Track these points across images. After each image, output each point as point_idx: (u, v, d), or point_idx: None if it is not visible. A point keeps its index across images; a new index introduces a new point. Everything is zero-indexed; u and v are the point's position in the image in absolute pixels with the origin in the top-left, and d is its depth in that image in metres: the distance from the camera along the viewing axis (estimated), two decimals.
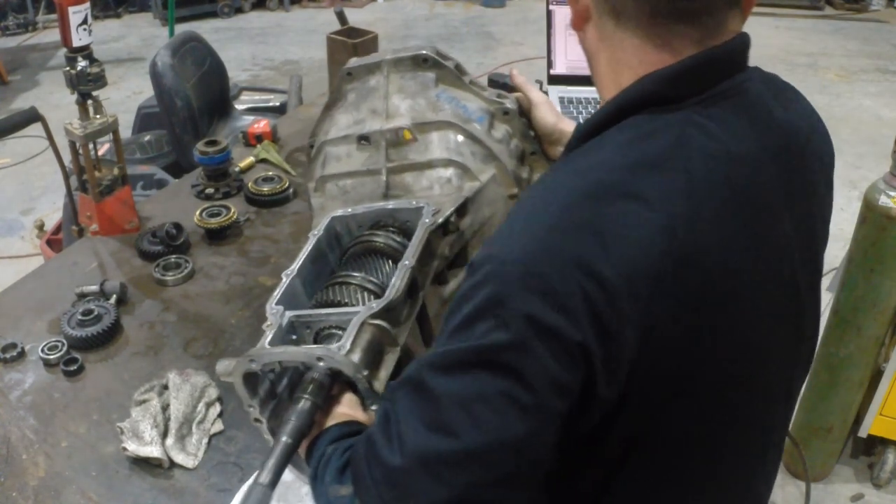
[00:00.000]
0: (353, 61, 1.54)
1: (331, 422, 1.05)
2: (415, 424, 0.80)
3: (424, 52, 1.47)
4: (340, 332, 1.11)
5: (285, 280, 1.23)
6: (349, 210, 1.40)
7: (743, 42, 0.89)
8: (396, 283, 1.16)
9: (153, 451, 1.28)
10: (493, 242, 0.83)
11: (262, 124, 2.41)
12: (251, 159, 2.27)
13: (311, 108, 2.79)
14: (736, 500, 1.03)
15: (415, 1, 8.34)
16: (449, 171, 1.41)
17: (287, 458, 0.99)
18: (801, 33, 7.23)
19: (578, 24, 0.94)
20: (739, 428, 0.94)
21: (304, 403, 1.03)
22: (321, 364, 1.03)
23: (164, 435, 1.33)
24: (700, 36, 0.85)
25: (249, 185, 2.10)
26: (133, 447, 1.29)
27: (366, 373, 1.05)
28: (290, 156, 2.34)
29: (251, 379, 1.08)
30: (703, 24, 0.85)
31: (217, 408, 1.41)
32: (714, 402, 0.87)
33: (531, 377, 0.75)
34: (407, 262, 1.21)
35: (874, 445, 2.57)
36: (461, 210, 1.38)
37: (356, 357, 1.04)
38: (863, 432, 2.45)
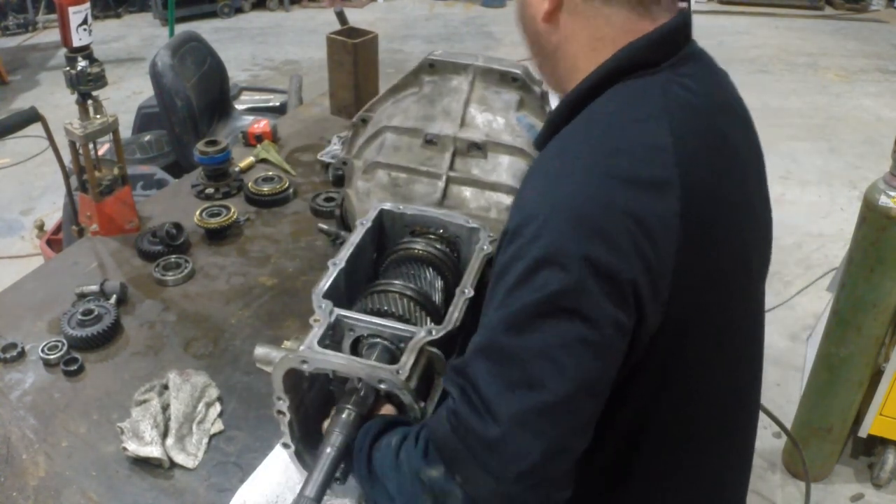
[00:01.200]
0: (440, 53, 1.50)
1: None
2: (499, 389, 0.83)
3: (516, 71, 1.44)
4: (385, 343, 1.10)
5: (332, 270, 1.20)
6: (400, 207, 1.36)
7: (689, 13, 1.02)
8: (455, 312, 1.13)
9: (153, 451, 1.28)
10: (524, 206, 0.89)
11: (262, 124, 2.41)
12: (251, 159, 2.27)
13: (311, 108, 2.79)
14: (733, 454, 1.12)
15: (415, 1, 8.34)
16: (510, 199, 1.37)
17: (334, 471, 0.98)
18: (800, 33, 7.22)
19: (551, 15, 0.99)
20: (737, 361, 1.05)
21: (348, 414, 1.02)
22: (381, 386, 1.01)
23: (165, 435, 1.33)
24: (667, 4, 0.98)
25: (249, 185, 2.10)
26: (133, 447, 1.29)
27: (423, 404, 1.03)
28: (290, 156, 2.34)
29: (292, 374, 1.05)
30: None
31: (217, 408, 1.41)
32: (723, 324, 0.98)
33: (598, 317, 0.81)
34: (466, 292, 1.18)
35: (874, 445, 2.57)
36: None
37: (413, 384, 1.02)
38: (863, 432, 2.44)
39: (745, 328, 1.06)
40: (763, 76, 6.06)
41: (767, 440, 2.70)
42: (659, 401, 0.95)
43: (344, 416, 1.01)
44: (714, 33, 6.88)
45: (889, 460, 2.49)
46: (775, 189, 4.80)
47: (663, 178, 0.86)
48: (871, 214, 2.10)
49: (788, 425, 2.38)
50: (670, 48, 0.97)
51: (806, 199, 4.29)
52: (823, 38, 7.09)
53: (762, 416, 2.02)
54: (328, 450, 0.98)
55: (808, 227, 3.96)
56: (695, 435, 1.03)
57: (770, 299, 3.53)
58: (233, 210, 1.94)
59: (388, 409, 1.07)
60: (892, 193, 2.06)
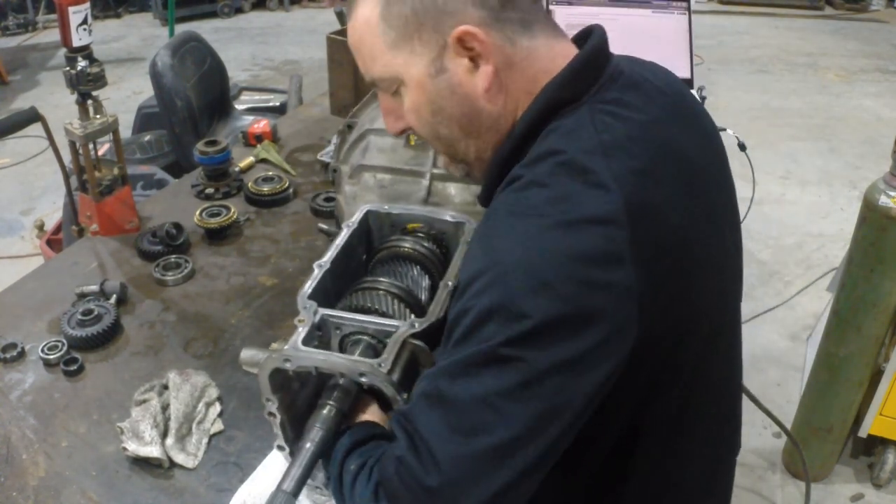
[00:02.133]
0: None
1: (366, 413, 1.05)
2: (440, 435, 0.83)
3: None
4: (369, 340, 1.10)
5: (318, 272, 1.20)
6: (385, 207, 1.36)
7: (603, 31, 0.99)
8: (438, 304, 1.13)
9: (153, 451, 1.28)
10: (473, 262, 0.87)
11: (262, 124, 2.41)
12: (251, 159, 2.27)
13: (311, 108, 2.79)
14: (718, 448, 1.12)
15: None
16: None
17: (312, 465, 0.98)
18: (800, 33, 7.23)
19: (492, 81, 0.93)
20: (718, 366, 1.05)
21: (328, 410, 1.02)
22: (363, 379, 1.01)
23: (164, 435, 1.33)
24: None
25: (249, 185, 2.10)
26: (133, 447, 1.29)
27: (405, 395, 1.03)
28: (290, 156, 2.34)
29: (277, 374, 1.06)
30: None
31: (217, 408, 1.41)
32: (705, 329, 0.97)
33: (543, 364, 0.80)
34: (450, 284, 1.18)
35: (874, 445, 2.57)
36: None
37: (396, 376, 1.02)
38: (863, 432, 2.44)
39: (726, 328, 1.06)
40: (763, 76, 6.06)
41: (767, 440, 2.70)
42: (623, 456, 0.96)
43: (325, 411, 1.02)
44: (714, 33, 6.89)
45: (889, 460, 2.49)
46: (775, 189, 4.81)
47: (612, 248, 0.81)
48: (871, 214, 2.10)
49: (788, 425, 2.37)
50: (591, 76, 0.94)
51: (806, 199, 4.29)
52: (823, 38, 7.09)
53: (762, 415, 2.04)
54: (307, 444, 0.99)
55: (808, 227, 3.96)
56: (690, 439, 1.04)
57: (770, 299, 3.54)
58: (233, 210, 1.94)
59: (372, 411, 1.07)
60: (892, 193, 2.06)
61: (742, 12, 7.61)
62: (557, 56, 0.95)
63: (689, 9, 2.42)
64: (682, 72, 2.42)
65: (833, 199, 4.28)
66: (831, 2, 8.00)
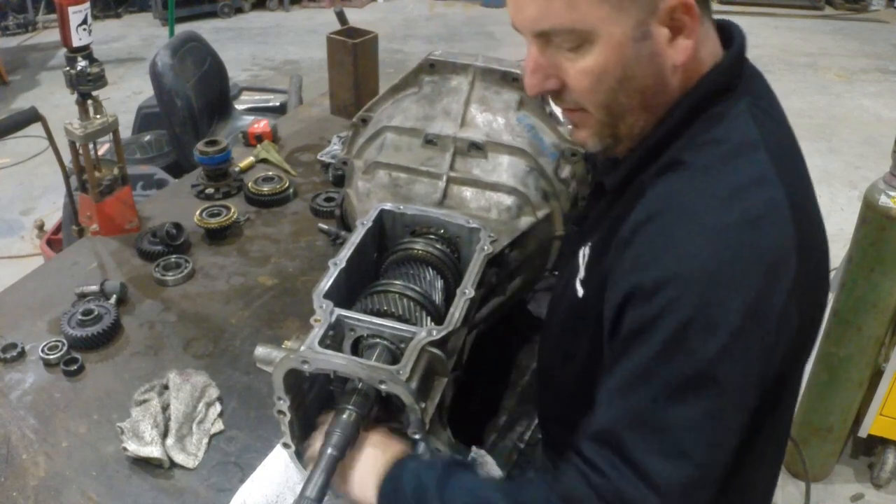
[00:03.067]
0: (440, 53, 1.50)
1: (369, 447, 1.04)
2: (658, 460, 0.83)
3: (516, 71, 1.42)
4: (386, 344, 1.10)
5: (333, 270, 1.20)
6: (401, 207, 1.36)
7: (740, 27, 1.01)
8: (456, 313, 1.13)
9: (153, 451, 1.28)
10: (657, 262, 0.86)
11: (262, 124, 2.41)
12: (251, 159, 2.27)
13: (310, 108, 2.79)
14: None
15: (415, 1, 8.33)
16: (510, 200, 1.37)
17: (332, 471, 0.97)
18: (800, 33, 7.22)
19: (693, 48, 0.91)
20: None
21: (348, 414, 1.01)
22: (382, 386, 1.01)
23: (165, 435, 1.33)
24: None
25: (249, 185, 2.10)
26: (133, 447, 1.29)
27: (423, 405, 1.03)
28: (290, 156, 2.34)
29: (292, 374, 1.05)
30: None
31: (217, 408, 1.41)
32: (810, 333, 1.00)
33: (743, 382, 0.84)
34: (467, 293, 1.18)
35: (874, 445, 2.57)
36: (514, 243, 1.36)
37: (415, 384, 1.02)
38: (863, 432, 2.44)
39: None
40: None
41: None
42: (767, 413, 0.96)
43: (345, 416, 1.01)
44: None
45: (889, 460, 2.49)
46: None
47: (787, 245, 0.85)
48: (871, 214, 2.10)
49: None
50: (742, 68, 0.97)
51: None
52: (823, 38, 7.09)
53: None
54: (329, 450, 0.98)
55: None
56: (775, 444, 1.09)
57: None
58: (233, 210, 1.94)
59: (378, 436, 1.06)
60: (892, 193, 2.06)
61: (742, 12, 7.60)
62: (715, 43, 0.96)
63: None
64: None
65: (833, 199, 4.27)
66: (831, 2, 8.00)
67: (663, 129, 0.95)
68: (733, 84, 0.94)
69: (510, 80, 1.44)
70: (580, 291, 1.06)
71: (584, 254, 1.07)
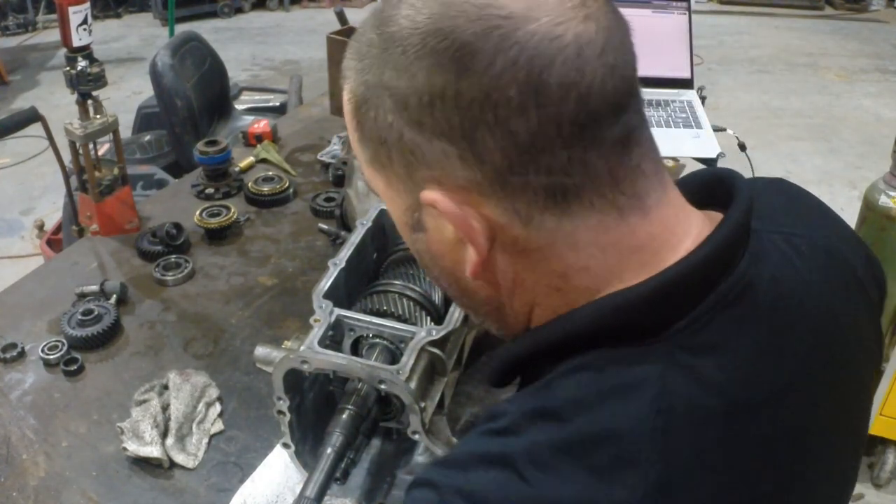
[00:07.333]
0: None
1: None
2: None
3: None
4: (386, 344, 1.10)
5: (333, 270, 1.19)
6: None
7: (746, 205, 0.63)
8: (456, 312, 1.13)
9: (153, 451, 1.28)
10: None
11: (262, 124, 2.41)
12: (251, 159, 2.27)
13: (310, 108, 2.79)
14: None
15: None
16: None
17: (334, 471, 0.98)
18: (800, 33, 7.23)
19: (480, 265, 0.63)
20: None
21: (348, 415, 1.01)
22: (382, 386, 1.01)
23: (164, 435, 1.33)
24: (660, 182, 0.61)
25: (249, 185, 2.10)
26: (133, 447, 1.29)
27: (423, 405, 1.03)
28: (290, 156, 2.34)
29: (291, 374, 1.05)
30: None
31: (217, 408, 1.41)
32: None
33: None
34: None
35: (874, 445, 2.57)
36: None
37: (414, 384, 1.02)
38: None
39: None
40: (763, 76, 6.06)
41: None
42: None
43: (344, 416, 1.02)
44: (714, 33, 6.89)
45: (889, 460, 2.49)
46: None
47: None
48: (871, 214, 2.10)
49: None
50: (689, 298, 0.60)
51: None
52: (823, 38, 7.10)
53: None
54: (328, 450, 0.98)
55: None
56: None
57: None
58: (233, 210, 1.94)
59: None
60: (892, 193, 2.06)
61: (742, 12, 7.61)
62: (614, 247, 0.60)
63: (689, 9, 2.42)
64: (682, 72, 2.42)
65: (833, 200, 4.27)
66: (831, 2, 8.00)
67: (516, 351, 0.69)
68: (654, 323, 0.59)
69: None
70: None
71: None
